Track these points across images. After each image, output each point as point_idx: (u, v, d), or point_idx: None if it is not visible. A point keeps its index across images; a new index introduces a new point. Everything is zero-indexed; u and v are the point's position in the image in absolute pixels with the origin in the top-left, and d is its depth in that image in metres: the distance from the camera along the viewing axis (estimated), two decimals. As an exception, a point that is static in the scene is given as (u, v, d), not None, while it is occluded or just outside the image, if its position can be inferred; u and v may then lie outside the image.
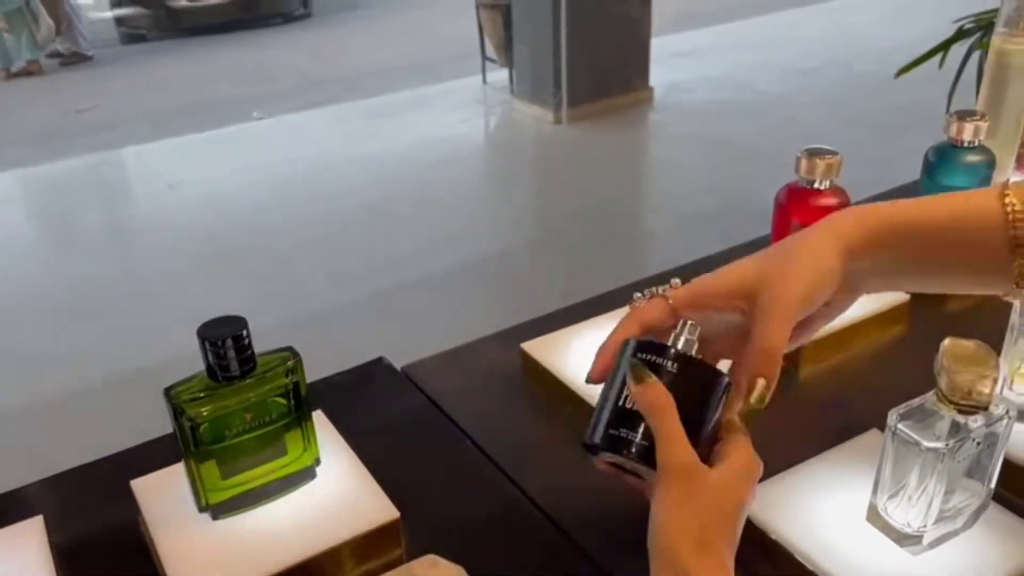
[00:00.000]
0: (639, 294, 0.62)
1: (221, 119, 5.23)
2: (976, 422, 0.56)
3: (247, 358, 0.63)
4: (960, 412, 0.56)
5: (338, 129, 5.02)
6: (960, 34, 2.41)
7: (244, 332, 0.62)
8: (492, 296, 3.06)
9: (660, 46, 5.07)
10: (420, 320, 2.84)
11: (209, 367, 0.62)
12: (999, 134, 1.08)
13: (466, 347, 0.93)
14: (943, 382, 0.56)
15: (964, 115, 0.95)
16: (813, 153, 0.88)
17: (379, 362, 0.90)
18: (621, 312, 0.84)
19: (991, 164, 0.97)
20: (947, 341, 0.57)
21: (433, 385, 0.86)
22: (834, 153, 0.88)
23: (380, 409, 0.83)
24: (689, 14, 6.55)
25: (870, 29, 6.10)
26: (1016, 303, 0.71)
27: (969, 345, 0.57)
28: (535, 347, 0.87)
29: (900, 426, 0.58)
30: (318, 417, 0.76)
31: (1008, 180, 0.55)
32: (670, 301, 0.58)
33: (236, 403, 0.63)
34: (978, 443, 0.57)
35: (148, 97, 5.92)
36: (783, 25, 6.48)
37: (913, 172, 1.01)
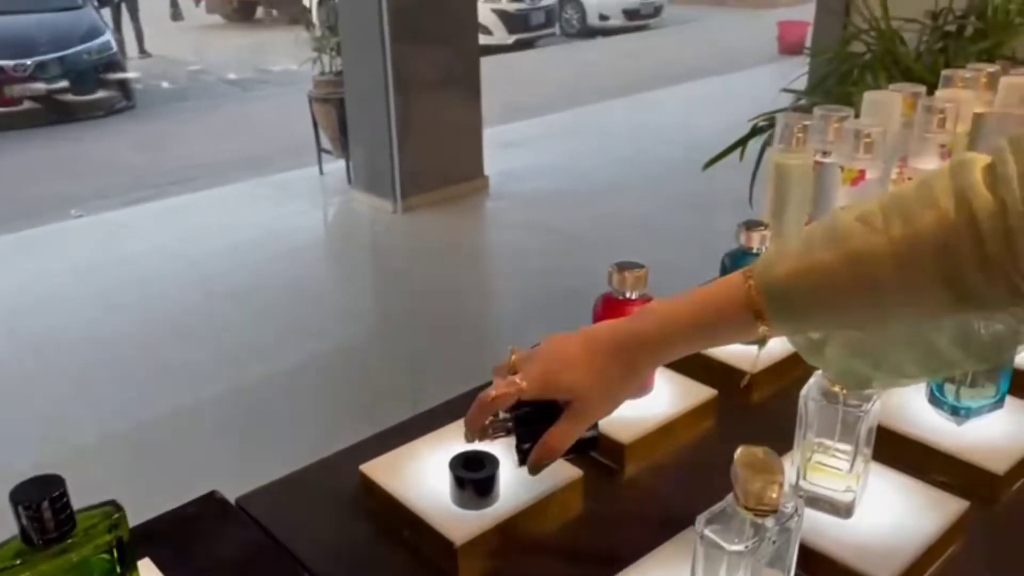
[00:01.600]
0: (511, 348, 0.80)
1: (36, 219, 4.93)
2: (770, 523, 0.63)
3: (65, 518, 0.60)
4: (756, 515, 0.62)
5: (166, 225, 4.84)
6: (754, 131, 2.68)
7: (61, 492, 0.60)
8: (332, 396, 3.01)
9: (491, 136, 5.27)
10: (255, 429, 2.75)
11: (23, 531, 0.59)
12: (783, 233, 1.22)
13: (303, 472, 0.92)
14: (738, 490, 0.62)
15: (752, 225, 1.07)
16: (623, 267, 0.96)
17: (211, 497, 0.88)
18: (458, 426, 0.88)
19: (778, 267, 1.09)
20: (740, 451, 0.64)
21: (271, 518, 0.85)
22: (641, 266, 0.96)
23: (214, 549, 0.81)
24: (514, 106, 6.87)
25: (679, 119, 6.62)
26: (801, 404, 0.80)
27: (758, 453, 0.64)
28: (374, 469, 0.88)
29: (706, 531, 0.63)
30: (145, 566, 0.74)
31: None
32: (523, 388, 0.76)
33: (55, 568, 0.60)
34: (774, 541, 0.63)
35: (-50, 196, 5.50)
36: (597, 116, 6.92)
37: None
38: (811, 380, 0.81)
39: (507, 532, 0.81)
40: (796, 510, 0.65)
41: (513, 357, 0.80)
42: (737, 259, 1.09)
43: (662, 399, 0.99)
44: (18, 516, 0.59)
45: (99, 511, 0.63)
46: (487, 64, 5.19)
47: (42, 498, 0.59)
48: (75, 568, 0.61)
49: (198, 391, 3.00)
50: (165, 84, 8.71)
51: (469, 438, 0.79)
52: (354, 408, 2.90)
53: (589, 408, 0.76)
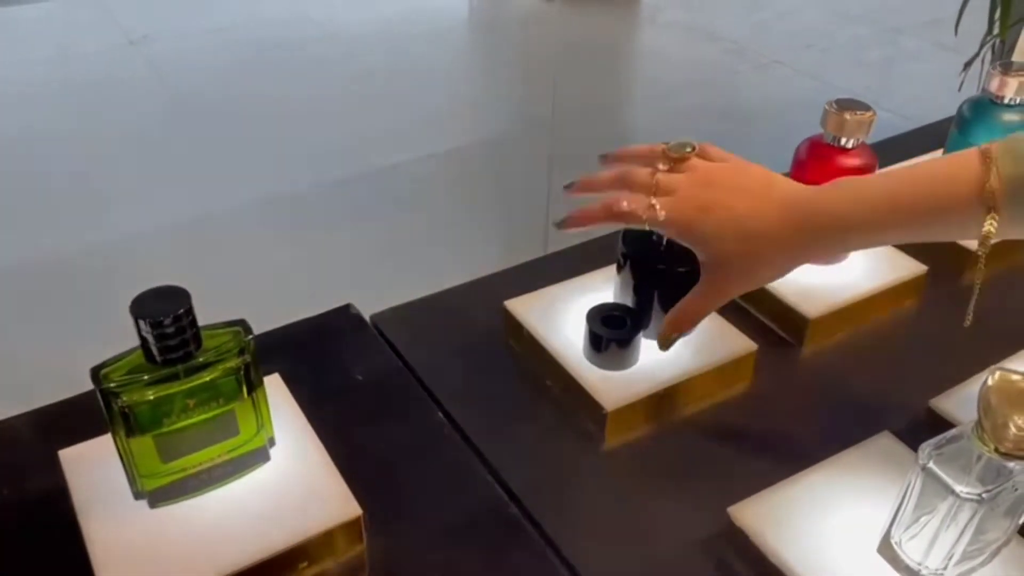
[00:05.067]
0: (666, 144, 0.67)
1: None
2: (1019, 466, 0.50)
3: (190, 338, 0.54)
4: (1003, 456, 0.50)
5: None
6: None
7: (186, 310, 0.53)
8: (474, 191, 2.94)
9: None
10: (397, 215, 2.73)
11: (146, 348, 0.54)
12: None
13: (442, 296, 0.84)
14: (987, 424, 0.49)
15: (1009, 68, 0.86)
16: (843, 107, 0.78)
17: (345, 311, 0.81)
18: (610, 271, 0.77)
19: (1032, 125, 0.88)
20: (996, 375, 0.50)
21: (406, 344, 0.78)
22: (867, 108, 0.78)
23: (345, 371, 0.75)
24: None
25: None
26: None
27: (1020, 382, 0.50)
28: (520, 307, 0.79)
29: (931, 465, 0.51)
30: (273, 382, 0.68)
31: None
32: (660, 222, 0.62)
33: (178, 388, 0.55)
34: (1016, 489, 0.51)
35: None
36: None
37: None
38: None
39: (665, 402, 0.72)
40: (1050, 459, 0.51)
41: (661, 165, 0.64)
42: (981, 108, 0.88)
43: (859, 269, 0.84)
44: (140, 331, 0.53)
45: (228, 331, 0.57)
46: None
47: (167, 313, 0.52)
48: (200, 390, 0.56)
49: (330, 171, 2.98)
50: None
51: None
52: (490, 206, 2.83)
53: (733, 283, 0.63)
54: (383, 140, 3.17)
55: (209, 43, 3.95)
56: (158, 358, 0.53)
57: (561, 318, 0.77)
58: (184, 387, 0.55)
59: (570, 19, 4.36)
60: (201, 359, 0.55)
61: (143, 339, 0.53)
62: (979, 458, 0.51)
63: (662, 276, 0.72)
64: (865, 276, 0.84)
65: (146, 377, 0.54)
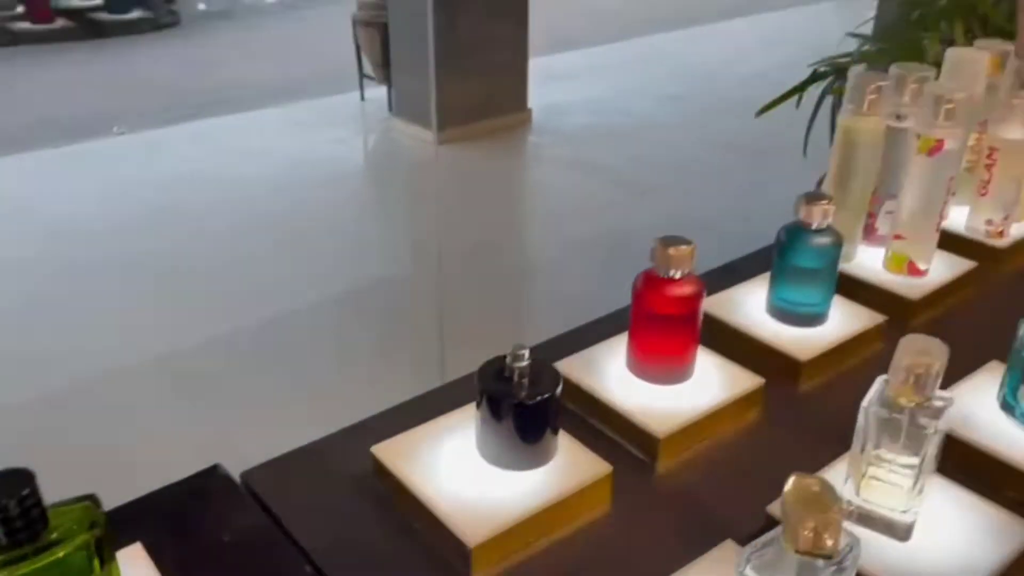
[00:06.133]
0: None
1: (78, 134, 4.91)
2: (821, 564, 0.55)
3: (35, 519, 0.55)
4: (803, 556, 0.55)
5: (205, 146, 4.80)
6: (815, 77, 2.52)
7: (30, 491, 0.54)
8: (362, 331, 2.97)
9: (537, 68, 5.10)
10: (288, 360, 2.73)
11: (-10, 531, 0.54)
12: (848, 204, 1.11)
13: (313, 447, 0.87)
14: (788, 529, 0.55)
15: (812, 198, 0.97)
16: (667, 243, 0.87)
17: (213, 471, 0.82)
18: (472, 408, 0.81)
19: (838, 244, 0.99)
20: (792, 481, 0.56)
21: (276, 499, 0.79)
22: (688, 243, 0.87)
23: (213, 534, 0.76)
24: (563, 36, 6.63)
25: (732, 55, 6.34)
26: (861, 416, 0.71)
27: (812, 485, 0.56)
28: (387, 451, 0.82)
29: (747, 571, 0.56)
30: (134, 553, 0.69)
31: None
32: None
33: (28, 568, 0.55)
34: (824, 584, 0.56)
35: (-6, 109, 5.50)
36: (651, 49, 6.66)
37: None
38: (873, 388, 0.72)
39: (527, 532, 0.75)
40: (851, 550, 0.57)
41: None
42: (794, 234, 0.99)
43: (703, 387, 0.91)
44: (-16, 515, 0.54)
45: (76, 507, 0.58)
46: (537, -9, 4.98)
47: (10, 496, 0.53)
48: (47, 569, 0.56)
49: (227, 321, 2.98)
50: (212, 2, 8.57)
51: None
52: (386, 344, 2.86)
53: None
54: (274, 289, 3.20)
55: (91, 204, 3.95)
56: (3, 541, 0.54)
57: (426, 459, 0.80)
58: (33, 567, 0.55)
59: (460, 160, 4.57)
60: (53, 536, 0.56)
61: (-13, 523, 0.54)
62: (789, 561, 0.56)
63: (517, 409, 0.77)
64: (708, 392, 0.90)
65: (-9, 562, 0.54)
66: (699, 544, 0.72)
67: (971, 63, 1.16)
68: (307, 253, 3.50)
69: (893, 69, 1.09)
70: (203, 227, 3.71)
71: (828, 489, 0.56)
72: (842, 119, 1.09)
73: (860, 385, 0.73)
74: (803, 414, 0.94)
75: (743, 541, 0.71)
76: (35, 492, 0.54)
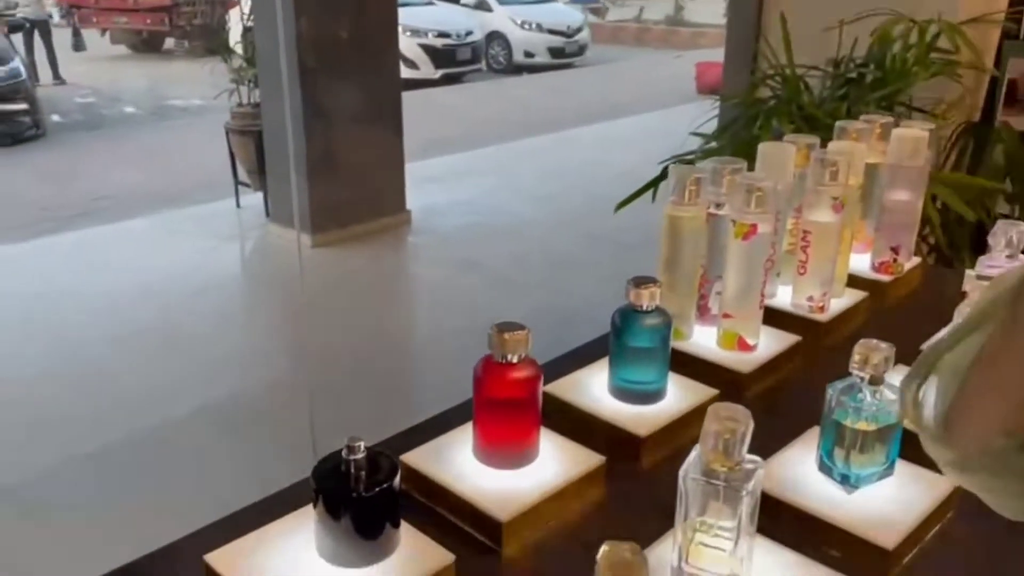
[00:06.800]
0: None
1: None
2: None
3: None
4: (618, 622, 0.57)
5: (72, 260, 4.62)
6: (665, 173, 2.68)
7: None
8: (234, 447, 2.87)
9: (414, 171, 5.22)
10: (153, 478, 2.60)
11: None
12: (678, 289, 1.18)
13: (146, 561, 0.83)
14: (599, 595, 0.57)
15: (640, 282, 1.03)
16: (503, 329, 0.90)
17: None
18: (308, 509, 0.79)
19: (668, 324, 1.05)
20: (603, 550, 0.58)
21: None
22: (522, 328, 0.91)
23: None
24: (438, 140, 6.84)
25: (593, 157, 6.67)
26: (680, 482, 0.75)
27: (624, 552, 0.58)
28: (221, 559, 0.79)
29: (565, 641, 0.57)
30: None
31: None
32: None
33: None
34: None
35: None
36: (521, 152, 6.94)
37: None
38: (691, 455, 0.76)
39: (365, 629, 0.74)
40: (664, 613, 0.59)
41: None
42: (626, 316, 1.04)
43: (546, 467, 0.93)
44: None
45: None
46: (413, 98, 5.16)
47: None
48: None
49: (93, 438, 2.82)
50: (77, 113, 8.41)
51: None
52: (263, 454, 2.77)
53: None
54: (142, 403, 3.07)
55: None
56: None
57: (263, 564, 0.78)
58: None
59: (340, 262, 4.57)
60: None
61: None
62: (603, 627, 0.57)
63: (353, 502, 0.77)
64: (551, 473, 0.92)
65: None
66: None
67: (780, 155, 1.27)
68: (179, 362, 3.38)
69: (708, 163, 1.19)
70: (65, 341, 3.54)
71: (638, 556, 0.58)
72: (667, 209, 1.17)
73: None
74: (644, 488, 0.97)
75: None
76: None
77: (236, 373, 3.34)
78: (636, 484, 0.98)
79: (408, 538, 0.81)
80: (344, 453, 0.77)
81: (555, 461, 0.94)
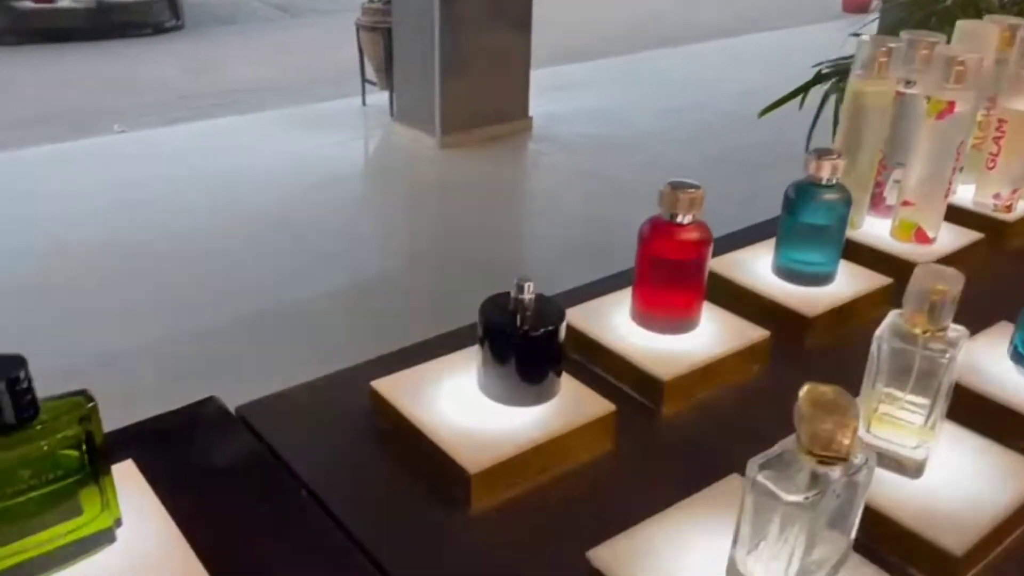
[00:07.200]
0: None
1: (79, 131, 4.91)
2: (836, 473, 0.53)
3: (26, 404, 0.53)
4: (820, 463, 0.53)
5: (205, 147, 4.79)
6: (819, 78, 2.52)
7: (21, 374, 0.52)
8: (357, 328, 2.95)
9: (539, 78, 5.12)
10: (280, 351, 2.71)
11: (-23, 415, 0.52)
12: (855, 172, 1.10)
13: (310, 385, 0.85)
14: (802, 431, 0.53)
15: (823, 153, 0.96)
16: (676, 187, 0.86)
17: (209, 403, 0.80)
18: (471, 351, 0.79)
19: (847, 201, 0.98)
20: (806, 387, 0.54)
21: (271, 430, 0.77)
22: (696, 187, 0.86)
23: (206, 458, 0.74)
24: (566, 48, 6.67)
25: (727, 74, 6.36)
26: (874, 347, 0.70)
27: (828, 392, 0.54)
28: (386, 386, 0.80)
29: (759, 477, 0.54)
30: (126, 469, 0.67)
31: None
32: None
33: (13, 458, 0.53)
34: (838, 495, 0.54)
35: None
36: (650, 64, 6.69)
37: (777, 207, 1.00)
38: (886, 320, 0.71)
39: (527, 464, 0.73)
40: (867, 461, 0.55)
41: None
42: (803, 190, 0.98)
43: (708, 336, 0.90)
44: (-29, 396, 0.52)
45: (67, 401, 0.56)
46: (543, 4, 5.01)
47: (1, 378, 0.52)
48: (35, 462, 0.54)
49: (227, 310, 2.96)
50: (214, 7, 8.61)
51: None
52: (380, 339, 2.84)
53: None
54: (274, 284, 3.19)
55: (95, 199, 3.94)
56: (-9, 425, 0.52)
57: (427, 394, 0.78)
58: (20, 456, 0.53)
59: (460, 165, 4.57)
60: (38, 427, 0.54)
61: (-25, 405, 0.52)
62: (800, 468, 0.54)
63: (518, 342, 0.75)
64: (714, 342, 0.89)
65: (-23, 446, 0.52)
66: (702, 483, 0.70)
67: (982, 34, 1.15)
68: (304, 250, 3.48)
69: (904, 34, 1.09)
70: (200, 220, 3.70)
71: (844, 396, 0.54)
72: (851, 82, 1.08)
73: (866, 345, 0.71)
74: (809, 369, 0.92)
75: (750, 475, 0.69)
76: (26, 377, 0.53)
77: (356, 265, 3.42)
78: (800, 365, 0.93)
79: (569, 386, 0.80)
80: (513, 292, 0.75)
81: (717, 331, 0.90)
